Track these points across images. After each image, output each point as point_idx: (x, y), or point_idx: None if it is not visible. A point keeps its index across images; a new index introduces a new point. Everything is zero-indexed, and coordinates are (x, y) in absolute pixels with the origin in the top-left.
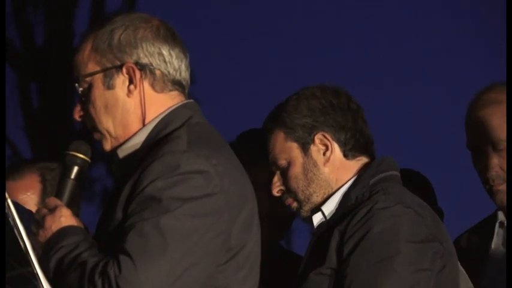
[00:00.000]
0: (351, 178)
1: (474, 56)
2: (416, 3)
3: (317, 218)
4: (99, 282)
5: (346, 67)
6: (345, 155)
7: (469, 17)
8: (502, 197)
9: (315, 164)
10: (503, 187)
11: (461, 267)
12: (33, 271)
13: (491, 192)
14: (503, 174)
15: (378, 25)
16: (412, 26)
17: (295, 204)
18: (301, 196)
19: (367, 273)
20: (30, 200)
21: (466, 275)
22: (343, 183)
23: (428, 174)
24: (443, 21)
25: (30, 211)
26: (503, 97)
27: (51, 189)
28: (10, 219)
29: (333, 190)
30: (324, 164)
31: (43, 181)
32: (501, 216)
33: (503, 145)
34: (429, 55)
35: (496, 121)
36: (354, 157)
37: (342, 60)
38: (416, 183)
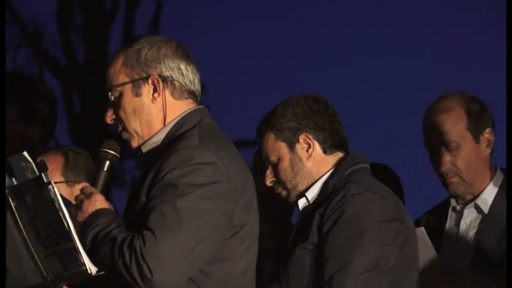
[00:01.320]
0: (329, 170)
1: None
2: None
3: (302, 203)
4: (127, 253)
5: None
6: (324, 151)
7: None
8: (454, 188)
9: (300, 159)
10: (454, 179)
11: (428, 240)
12: (75, 246)
13: (445, 183)
14: (455, 169)
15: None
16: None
17: (284, 192)
18: (289, 185)
19: (341, 247)
20: (53, 173)
21: (431, 245)
22: (322, 174)
23: (393, 166)
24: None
25: (66, 199)
26: (454, 104)
27: (72, 165)
28: (56, 204)
29: (315, 180)
30: (307, 159)
31: (65, 159)
32: (453, 202)
33: (453, 145)
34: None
35: (448, 126)
36: (331, 153)
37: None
38: (382, 173)
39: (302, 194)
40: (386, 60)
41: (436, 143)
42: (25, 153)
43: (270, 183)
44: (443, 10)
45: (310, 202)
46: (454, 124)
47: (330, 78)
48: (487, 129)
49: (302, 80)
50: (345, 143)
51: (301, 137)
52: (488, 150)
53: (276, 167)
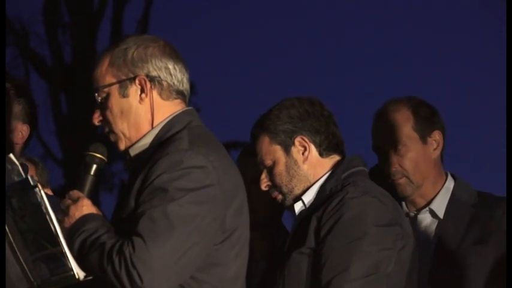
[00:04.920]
0: (326, 173)
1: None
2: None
3: (298, 206)
4: (116, 260)
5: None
6: (320, 154)
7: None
8: (402, 189)
9: (296, 163)
10: (401, 180)
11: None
12: (62, 250)
13: (393, 185)
14: (401, 170)
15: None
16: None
17: (280, 197)
18: (285, 189)
19: (339, 251)
20: None
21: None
22: (319, 177)
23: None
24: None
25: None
26: (401, 106)
27: (41, 171)
28: (43, 207)
29: (311, 183)
30: (303, 162)
31: (35, 165)
32: (405, 209)
33: (400, 146)
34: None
35: (395, 126)
36: (328, 155)
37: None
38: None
39: (298, 198)
40: (380, 61)
41: (383, 143)
42: (11, 155)
43: (265, 187)
44: (445, 13)
45: (307, 206)
46: (401, 124)
47: (323, 80)
48: (436, 132)
49: (294, 79)
50: (341, 146)
51: (297, 140)
52: (437, 153)
53: (271, 171)
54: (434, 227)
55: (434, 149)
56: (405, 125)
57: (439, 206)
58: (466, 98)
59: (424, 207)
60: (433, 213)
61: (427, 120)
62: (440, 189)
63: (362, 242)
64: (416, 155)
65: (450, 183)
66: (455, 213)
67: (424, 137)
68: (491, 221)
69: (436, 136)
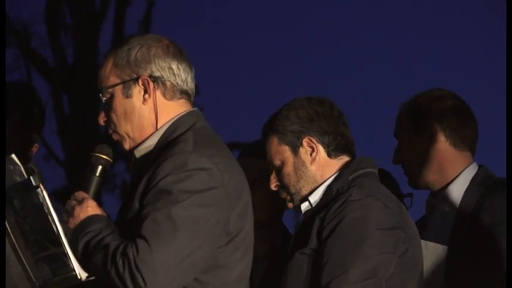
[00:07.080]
0: (334, 174)
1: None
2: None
3: (304, 206)
4: (120, 262)
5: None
6: (329, 155)
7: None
8: (409, 180)
9: (304, 163)
10: (405, 171)
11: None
12: (64, 251)
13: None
14: (401, 160)
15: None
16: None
17: (288, 197)
18: (292, 190)
19: (340, 253)
20: None
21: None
22: (326, 178)
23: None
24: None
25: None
26: (408, 100)
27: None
28: (45, 208)
29: (318, 184)
30: (311, 163)
31: None
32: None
33: (399, 136)
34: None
35: (399, 117)
36: (336, 156)
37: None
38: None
39: (305, 199)
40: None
41: (394, 133)
42: (13, 155)
43: (274, 187)
44: (445, 14)
45: (313, 206)
46: (401, 116)
47: (327, 80)
48: (433, 124)
49: (297, 79)
50: (351, 146)
51: (305, 141)
52: (436, 144)
53: (279, 171)
54: (449, 214)
55: (431, 141)
56: (404, 117)
57: (454, 194)
58: (466, 98)
59: (440, 192)
60: (446, 200)
61: (424, 112)
62: (456, 178)
63: (362, 245)
64: (410, 147)
65: (470, 173)
66: (469, 200)
67: (418, 129)
68: (496, 202)
69: (432, 128)
